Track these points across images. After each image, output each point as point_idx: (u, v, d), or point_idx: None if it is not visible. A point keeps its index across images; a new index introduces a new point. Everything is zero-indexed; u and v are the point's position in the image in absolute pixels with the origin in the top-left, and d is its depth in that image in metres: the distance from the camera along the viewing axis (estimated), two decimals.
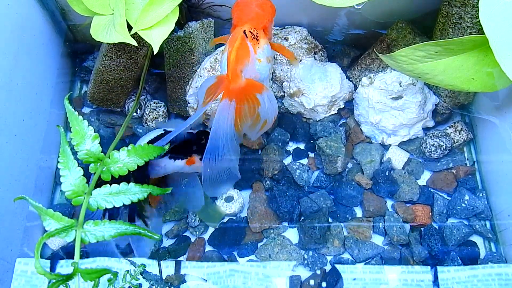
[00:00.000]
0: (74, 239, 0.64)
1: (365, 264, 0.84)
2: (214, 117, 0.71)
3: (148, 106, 0.96)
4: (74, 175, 0.66)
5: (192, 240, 0.86)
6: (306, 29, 0.93)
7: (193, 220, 0.87)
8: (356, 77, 0.95)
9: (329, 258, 0.84)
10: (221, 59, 0.73)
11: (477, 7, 0.63)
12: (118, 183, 0.67)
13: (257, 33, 0.73)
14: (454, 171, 0.91)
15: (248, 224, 0.86)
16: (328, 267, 0.83)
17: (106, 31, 0.78)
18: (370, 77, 0.90)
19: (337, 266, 0.82)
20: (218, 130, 0.70)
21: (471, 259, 0.84)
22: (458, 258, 0.83)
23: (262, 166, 0.90)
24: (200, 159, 0.78)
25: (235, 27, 0.74)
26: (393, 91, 0.87)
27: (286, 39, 0.92)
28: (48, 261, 0.82)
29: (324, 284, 0.81)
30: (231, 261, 0.84)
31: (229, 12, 0.90)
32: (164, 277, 0.81)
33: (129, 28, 0.77)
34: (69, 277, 0.60)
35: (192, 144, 0.82)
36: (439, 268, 0.81)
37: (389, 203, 0.89)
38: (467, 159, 0.94)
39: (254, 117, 0.74)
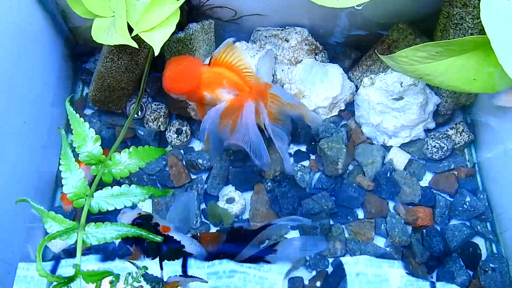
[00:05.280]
0: (76, 241, 0.64)
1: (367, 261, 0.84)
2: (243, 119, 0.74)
3: (149, 108, 0.96)
4: (75, 177, 0.66)
5: None
6: (307, 30, 0.93)
7: (194, 222, 0.87)
8: (357, 78, 0.95)
9: (330, 260, 0.84)
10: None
11: (479, 7, 0.63)
12: None
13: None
14: (455, 173, 0.91)
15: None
16: (330, 269, 0.83)
17: (107, 33, 0.78)
18: (371, 78, 0.90)
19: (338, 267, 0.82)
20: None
21: (473, 261, 0.84)
22: (460, 259, 0.83)
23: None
24: None
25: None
26: (394, 92, 0.87)
27: (287, 40, 0.92)
28: (50, 263, 0.81)
29: (325, 285, 0.81)
30: (232, 261, 0.84)
31: (230, 13, 0.90)
32: (165, 279, 0.81)
33: (130, 30, 0.77)
34: (70, 279, 0.60)
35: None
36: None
37: (391, 204, 0.89)
38: (468, 160, 0.94)
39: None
